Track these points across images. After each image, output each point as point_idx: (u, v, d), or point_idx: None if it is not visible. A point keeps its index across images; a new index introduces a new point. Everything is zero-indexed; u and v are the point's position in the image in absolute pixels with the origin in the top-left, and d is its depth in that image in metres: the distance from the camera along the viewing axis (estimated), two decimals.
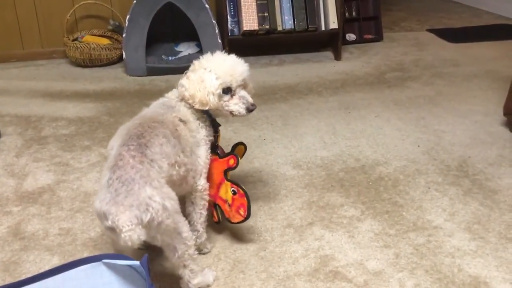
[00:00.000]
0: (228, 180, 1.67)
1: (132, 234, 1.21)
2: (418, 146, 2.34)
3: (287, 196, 1.99)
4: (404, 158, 2.24)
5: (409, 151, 2.30)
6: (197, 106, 1.57)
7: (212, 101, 1.56)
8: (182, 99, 1.60)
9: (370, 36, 3.85)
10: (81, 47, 3.33)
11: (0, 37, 3.48)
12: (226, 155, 1.67)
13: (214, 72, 1.58)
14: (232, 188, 1.66)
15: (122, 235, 1.21)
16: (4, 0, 3.40)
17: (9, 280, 1.57)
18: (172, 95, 1.65)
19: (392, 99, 2.85)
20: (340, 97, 2.89)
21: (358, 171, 2.15)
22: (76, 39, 3.46)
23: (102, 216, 1.25)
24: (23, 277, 1.53)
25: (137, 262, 1.06)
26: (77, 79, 3.21)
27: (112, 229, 1.23)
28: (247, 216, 1.62)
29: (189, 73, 1.61)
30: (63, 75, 3.30)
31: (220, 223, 1.75)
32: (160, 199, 1.28)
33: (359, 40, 3.83)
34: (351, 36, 3.81)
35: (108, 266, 1.11)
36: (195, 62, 1.64)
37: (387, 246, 1.70)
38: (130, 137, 1.39)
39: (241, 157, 1.80)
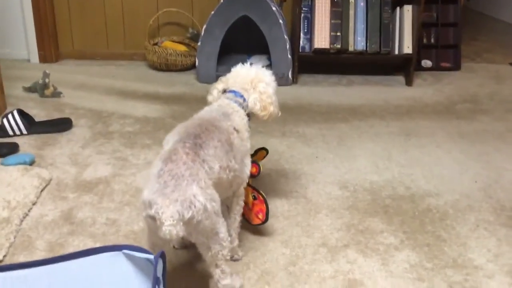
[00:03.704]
0: (248, 185, 1.76)
1: (172, 229, 1.27)
2: (476, 181, 2.24)
3: (328, 215, 1.98)
4: (457, 192, 2.16)
5: (464, 185, 2.21)
6: (265, 118, 1.72)
7: (277, 112, 1.75)
8: (237, 110, 1.66)
9: (447, 65, 3.73)
10: (159, 51, 3.51)
11: (88, 36, 3.75)
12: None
13: (271, 86, 1.74)
14: (253, 194, 1.79)
15: (163, 228, 1.27)
16: (95, 2, 3.66)
17: None
18: (224, 103, 1.70)
19: (458, 131, 2.75)
20: (403, 123, 2.83)
21: (406, 199, 2.10)
22: (156, 44, 3.64)
23: (147, 204, 1.32)
24: None
25: (153, 256, 1.12)
26: (151, 82, 3.38)
27: (153, 219, 1.30)
28: (265, 221, 1.77)
29: (257, 88, 1.70)
30: (139, 77, 3.48)
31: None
32: (203, 199, 1.33)
33: (435, 68, 3.72)
34: (427, 63, 3.72)
35: (128, 257, 1.17)
36: (250, 75, 1.72)
37: (420, 279, 1.65)
38: (187, 135, 1.46)
39: (261, 159, 1.96)
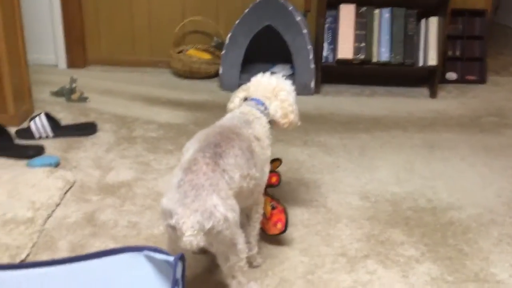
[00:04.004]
0: (267, 195, 1.77)
1: (193, 240, 1.28)
2: (499, 196, 2.21)
3: (348, 225, 1.97)
4: (481, 206, 2.13)
5: (488, 199, 2.18)
6: (285, 126, 1.73)
7: (297, 122, 1.75)
8: (259, 117, 1.67)
9: (472, 78, 3.69)
10: (183, 59, 3.55)
11: (115, 43, 3.81)
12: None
13: (292, 95, 1.76)
14: (271, 203, 1.79)
15: (184, 239, 1.28)
16: (123, 10, 3.73)
17: None
18: (245, 110, 1.71)
19: (483, 144, 2.72)
20: (426, 135, 2.80)
21: (427, 212, 2.08)
22: (181, 52, 3.69)
23: (167, 213, 1.33)
24: None
25: (172, 258, 1.13)
26: (175, 89, 3.42)
27: (174, 228, 1.31)
28: (284, 231, 1.76)
29: (279, 96, 1.72)
30: (163, 84, 3.53)
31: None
32: (223, 210, 1.33)
33: (460, 80, 3.68)
34: (451, 75, 3.68)
35: (148, 258, 1.18)
36: (271, 83, 1.73)
37: None
38: (207, 144, 1.45)
39: (275, 169, 1.92)
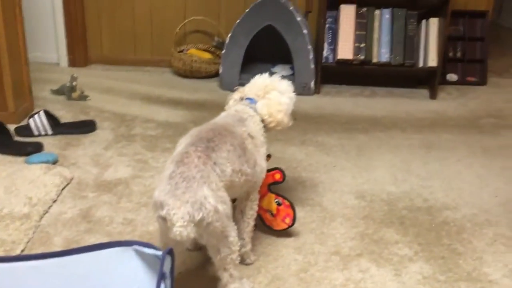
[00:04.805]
0: (272, 192, 1.79)
1: (183, 231, 1.29)
2: (496, 196, 2.20)
3: (342, 224, 1.97)
4: (476, 206, 2.13)
5: (484, 200, 2.18)
6: (272, 125, 1.72)
7: (287, 122, 1.74)
8: (252, 115, 1.68)
9: (472, 79, 3.69)
10: (184, 58, 3.56)
11: (117, 42, 3.84)
12: (271, 169, 1.78)
13: (287, 96, 1.75)
14: (276, 200, 1.80)
15: (174, 229, 1.29)
16: (125, 10, 3.75)
17: None
18: (239, 108, 1.73)
19: (481, 146, 2.71)
20: (424, 136, 2.81)
21: (422, 211, 2.08)
22: (182, 51, 3.70)
23: (158, 205, 1.34)
24: None
25: (161, 252, 1.14)
26: (175, 88, 3.44)
27: (164, 219, 1.33)
28: (292, 224, 1.81)
29: (267, 94, 1.72)
30: (164, 83, 3.54)
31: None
32: (214, 201, 1.34)
33: (461, 82, 3.68)
34: (452, 77, 3.68)
35: (138, 253, 1.19)
36: (264, 82, 1.75)
37: None
38: (200, 139, 1.47)
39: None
